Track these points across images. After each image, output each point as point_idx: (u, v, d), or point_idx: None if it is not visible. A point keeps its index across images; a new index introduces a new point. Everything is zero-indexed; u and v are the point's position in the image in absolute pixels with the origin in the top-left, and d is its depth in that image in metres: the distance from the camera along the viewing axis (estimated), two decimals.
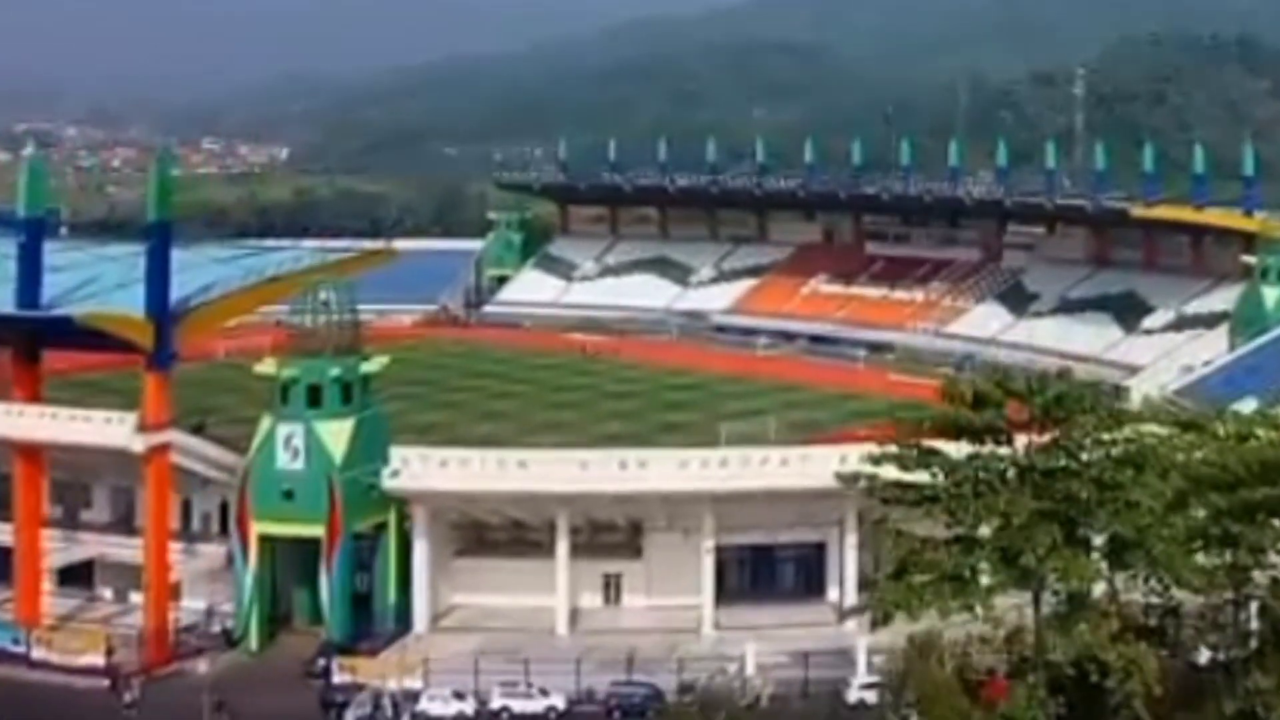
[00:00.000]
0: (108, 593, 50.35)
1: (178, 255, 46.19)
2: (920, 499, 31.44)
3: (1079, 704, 29.99)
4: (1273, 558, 31.71)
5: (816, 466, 46.20)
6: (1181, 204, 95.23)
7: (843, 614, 34.43)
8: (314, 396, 46.12)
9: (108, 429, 45.96)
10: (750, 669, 43.02)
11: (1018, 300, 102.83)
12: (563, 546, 47.73)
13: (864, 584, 46.77)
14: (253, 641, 45.88)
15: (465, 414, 77.08)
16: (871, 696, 39.99)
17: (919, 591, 29.90)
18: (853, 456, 45.34)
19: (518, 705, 41.67)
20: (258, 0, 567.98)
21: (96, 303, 45.21)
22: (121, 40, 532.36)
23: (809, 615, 47.89)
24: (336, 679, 42.63)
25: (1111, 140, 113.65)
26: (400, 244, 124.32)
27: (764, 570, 50.69)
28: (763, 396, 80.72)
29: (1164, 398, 77.05)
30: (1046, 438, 31.00)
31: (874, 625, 35.60)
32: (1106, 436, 30.66)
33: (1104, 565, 30.52)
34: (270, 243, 63.25)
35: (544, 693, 41.81)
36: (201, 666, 40.97)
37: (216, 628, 47.07)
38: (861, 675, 41.67)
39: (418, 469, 46.35)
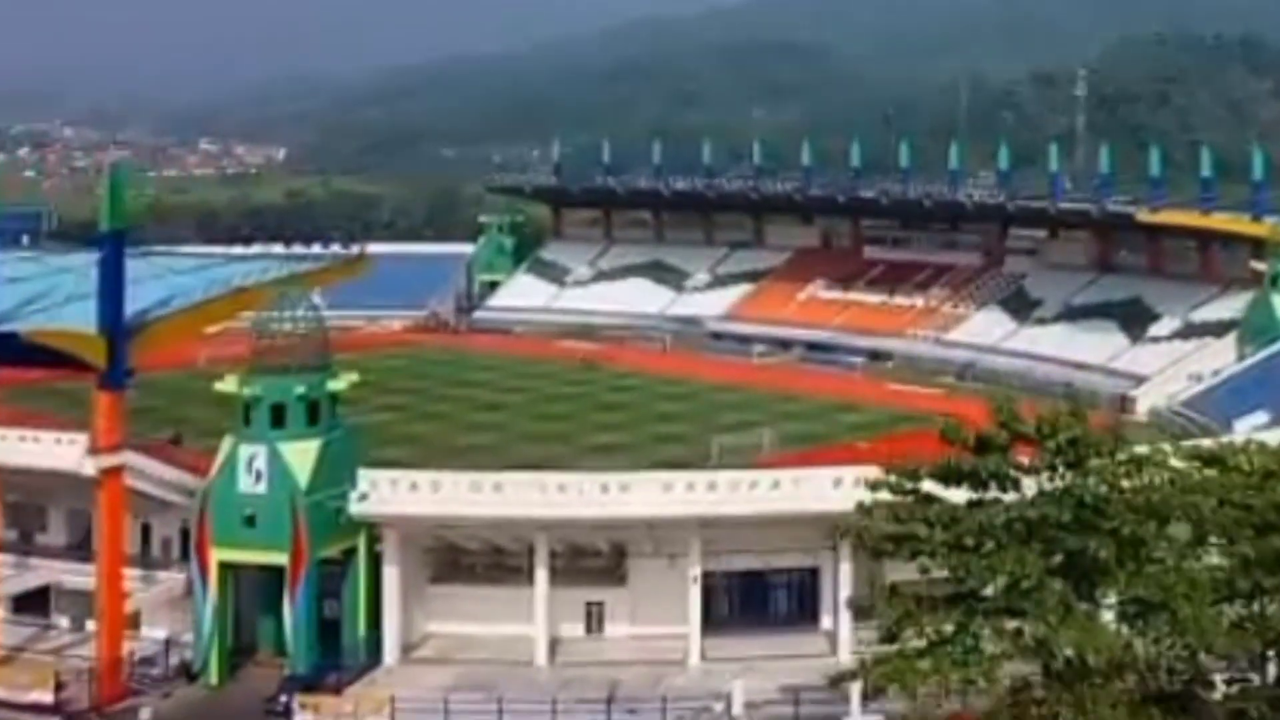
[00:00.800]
0: (64, 621, 47.88)
1: (135, 266, 43.78)
2: (917, 553, 28.65)
3: None
4: None
5: (809, 489, 44.09)
6: (1188, 208, 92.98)
7: (832, 680, 31.58)
8: (278, 416, 43.75)
9: (57, 450, 43.60)
10: (738, 708, 40.70)
11: (1020, 307, 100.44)
12: (541, 573, 45.35)
13: (859, 612, 44.95)
14: (212, 675, 43.45)
15: (452, 425, 74.79)
16: None
17: (913, 664, 26.98)
18: (847, 478, 43.59)
19: None
20: (257, 0, 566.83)
21: (46, 317, 42.80)
22: (121, 40, 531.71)
23: (801, 645, 45.59)
24: (298, 718, 40.27)
25: (1114, 142, 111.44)
26: (392, 247, 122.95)
27: (754, 597, 48.28)
28: (758, 407, 78.45)
29: (1171, 409, 75.25)
30: (1057, 480, 28.10)
31: (865, 700, 32.78)
32: (1126, 484, 27.59)
33: (1123, 627, 27.50)
34: (257, 247, 60.85)
35: None
36: (143, 714, 38.63)
37: (175, 659, 44.61)
38: (856, 714, 39.30)
39: (387, 493, 43.96)
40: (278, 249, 55.86)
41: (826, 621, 46.95)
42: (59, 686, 41.88)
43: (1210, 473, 29.15)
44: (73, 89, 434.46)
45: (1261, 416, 64.20)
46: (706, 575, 45.94)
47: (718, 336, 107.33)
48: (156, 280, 45.65)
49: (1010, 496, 28.32)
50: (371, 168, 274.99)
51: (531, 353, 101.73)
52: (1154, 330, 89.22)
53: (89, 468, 42.33)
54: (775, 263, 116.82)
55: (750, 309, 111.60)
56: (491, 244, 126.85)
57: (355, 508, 43.77)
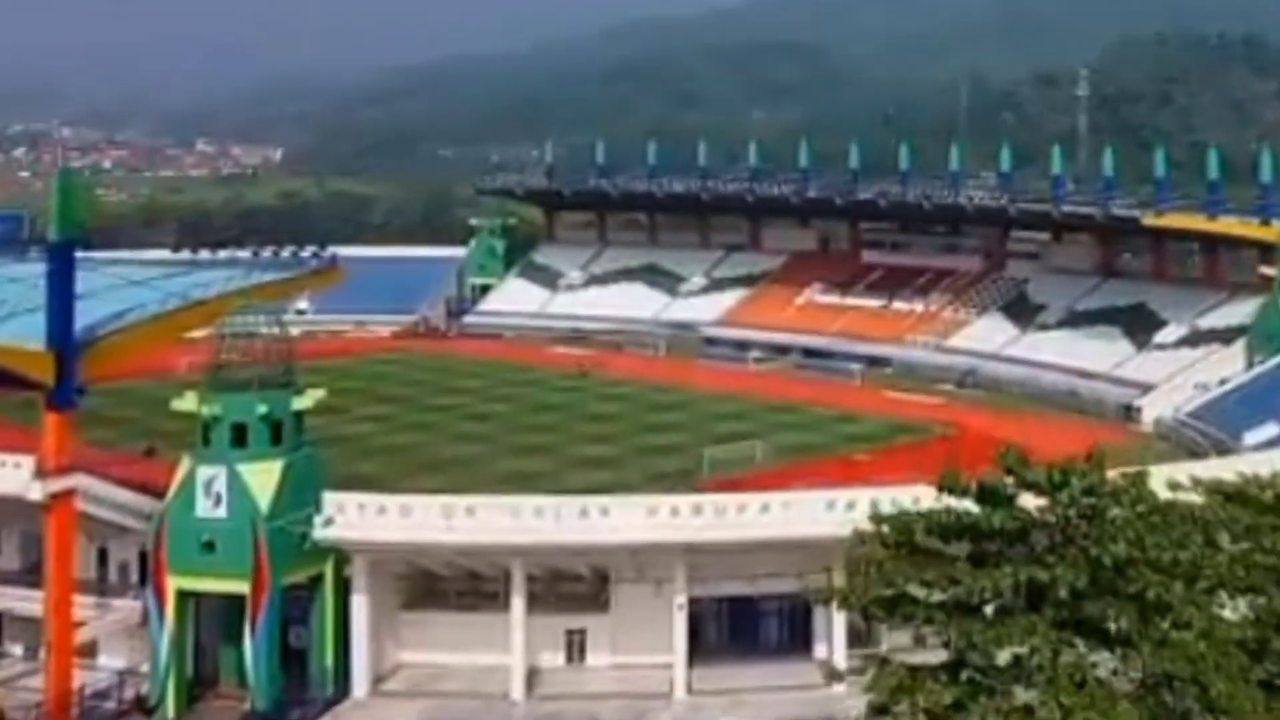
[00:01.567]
0: (17, 649, 45.58)
1: (88, 278, 41.37)
2: (911, 617, 25.75)
3: None
4: None
5: (800, 513, 41.71)
6: (1194, 211, 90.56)
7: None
8: (239, 436, 41.33)
9: (1, 474, 41.19)
10: None
11: (1022, 312, 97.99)
12: (519, 600, 42.91)
13: (853, 640, 42.61)
14: (169, 708, 41.00)
15: (437, 436, 72.53)
16: None
17: None
18: (840, 501, 41.32)
19: None
20: (256, 1, 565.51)
21: None
22: (120, 40, 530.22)
23: (792, 676, 43.07)
24: None
25: (1116, 142, 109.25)
26: (383, 250, 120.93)
27: (743, 625, 45.92)
28: (752, 417, 76.23)
29: (1178, 419, 72.94)
30: (1071, 533, 25.07)
31: None
32: (1150, 542, 24.36)
33: (1147, 701, 24.37)
34: (224, 253, 58.19)
35: None
36: None
37: (131, 692, 42.23)
38: None
39: (355, 517, 41.49)
40: (243, 255, 52.98)
41: (820, 650, 44.53)
42: None
43: (1234, 510, 26.63)
44: (71, 89, 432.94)
45: (1272, 428, 61.98)
46: (693, 602, 43.53)
47: (713, 342, 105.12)
48: (110, 292, 43.20)
49: (1018, 548, 25.40)
50: (369, 168, 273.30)
51: (522, 359, 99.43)
52: (1160, 337, 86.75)
53: (35, 492, 39.89)
54: (772, 266, 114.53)
55: (746, 314, 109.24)
56: (483, 247, 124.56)
57: (320, 533, 41.34)
